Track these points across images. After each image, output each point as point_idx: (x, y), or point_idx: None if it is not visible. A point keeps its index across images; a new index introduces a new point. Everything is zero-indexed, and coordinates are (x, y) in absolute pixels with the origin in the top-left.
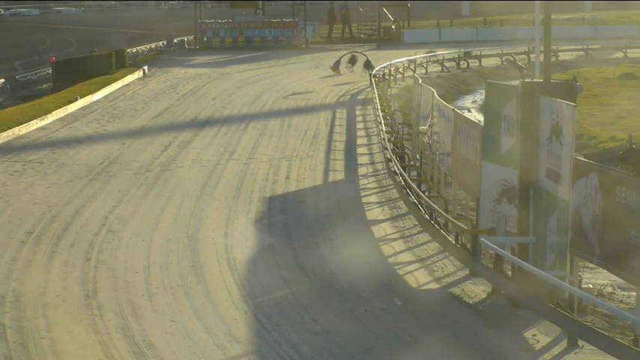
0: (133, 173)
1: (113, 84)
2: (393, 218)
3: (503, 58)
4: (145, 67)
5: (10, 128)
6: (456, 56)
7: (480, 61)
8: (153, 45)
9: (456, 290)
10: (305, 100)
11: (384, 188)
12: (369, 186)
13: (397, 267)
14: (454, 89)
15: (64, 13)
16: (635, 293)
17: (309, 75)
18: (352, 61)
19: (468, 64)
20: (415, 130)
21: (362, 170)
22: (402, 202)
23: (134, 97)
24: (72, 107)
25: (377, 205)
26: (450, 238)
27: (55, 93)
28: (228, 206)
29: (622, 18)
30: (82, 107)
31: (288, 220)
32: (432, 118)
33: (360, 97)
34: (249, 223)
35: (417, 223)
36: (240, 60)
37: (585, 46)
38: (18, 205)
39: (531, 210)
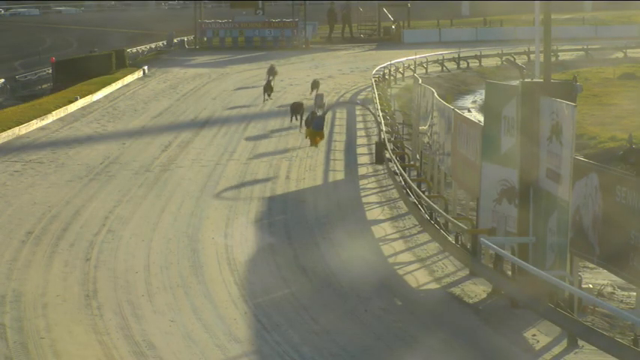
0: (133, 173)
1: (113, 84)
2: (393, 218)
3: (503, 58)
4: (145, 67)
5: (10, 128)
6: (456, 56)
7: (480, 61)
8: (153, 45)
9: (456, 290)
10: (305, 101)
11: (384, 188)
12: (369, 186)
13: (397, 267)
14: (454, 89)
15: (64, 13)
16: (635, 293)
17: (308, 75)
18: (315, 85)
19: (468, 64)
20: (415, 130)
21: (362, 170)
22: (402, 202)
23: (134, 97)
24: (72, 107)
25: (377, 205)
26: (450, 238)
27: (55, 93)
28: (228, 206)
29: (622, 18)
30: (82, 107)
31: (288, 220)
32: (432, 118)
33: (360, 97)
34: (249, 223)
35: (417, 223)
36: (240, 60)
37: (585, 46)
38: (18, 205)
39: (531, 210)
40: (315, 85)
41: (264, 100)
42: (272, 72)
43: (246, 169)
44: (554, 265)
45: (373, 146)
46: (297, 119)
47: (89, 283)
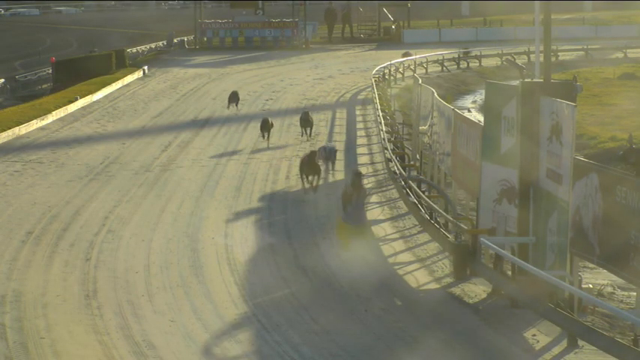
0: (133, 173)
1: (113, 84)
2: (393, 218)
3: (503, 58)
4: (145, 67)
5: (10, 128)
6: (456, 56)
7: (480, 61)
8: (153, 45)
9: (456, 290)
10: (305, 101)
11: (384, 188)
12: (369, 186)
13: (397, 267)
14: (454, 89)
15: (64, 13)
16: (635, 293)
17: (308, 75)
18: (306, 122)
19: (468, 64)
20: (415, 130)
21: (362, 170)
22: (402, 202)
23: (134, 97)
24: (72, 107)
25: (377, 205)
26: (450, 238)
27: (55, 93)
28: (228, 206)
29: (622, 18)
30: (82, 107)
31: (288, 220)
32: (432, 118)
33: (360, 97)
34: (249, 223)
35: (417, 223)
36: (240, 60)
37: (585, 46)
38: (18, 205)
39: (531, 210)
40: (305, 121)
41: (263, 139)
42: (235, 98)
43: (246, 169)
44: (554, 265)
45: (373, 146)
46: (307, 180)
47: (89, 283)
